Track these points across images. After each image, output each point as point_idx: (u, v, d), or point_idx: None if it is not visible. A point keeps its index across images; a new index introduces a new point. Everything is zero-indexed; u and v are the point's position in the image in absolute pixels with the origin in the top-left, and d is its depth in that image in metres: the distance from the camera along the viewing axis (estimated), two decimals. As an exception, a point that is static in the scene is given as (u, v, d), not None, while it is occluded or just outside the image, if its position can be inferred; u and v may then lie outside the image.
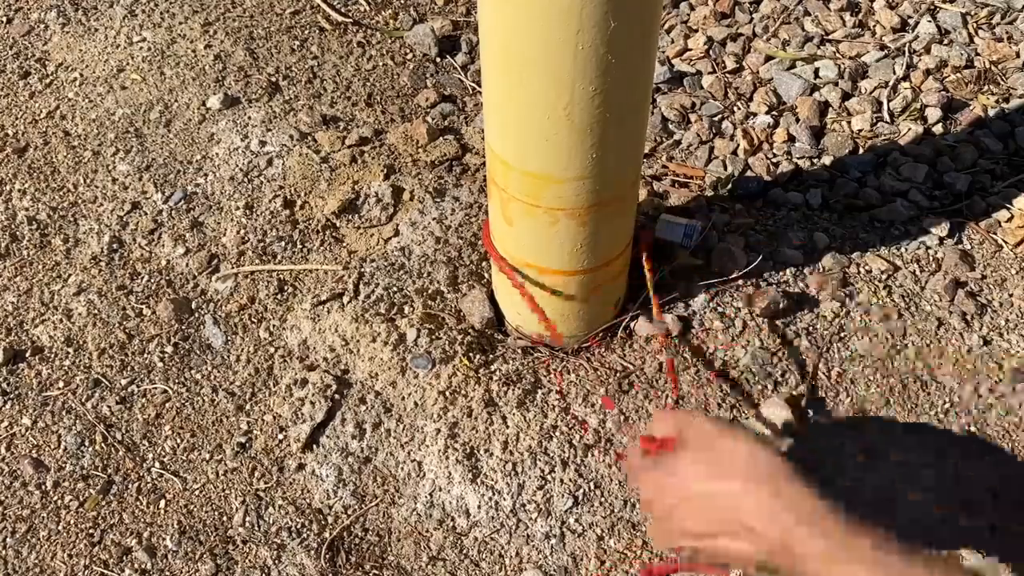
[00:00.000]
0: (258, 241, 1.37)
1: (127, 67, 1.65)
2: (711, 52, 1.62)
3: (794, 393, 1.18)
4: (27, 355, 1.27)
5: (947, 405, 1.16)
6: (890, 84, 1.53)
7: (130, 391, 1.23)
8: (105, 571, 1.08)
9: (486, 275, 1.30)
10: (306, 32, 1.71)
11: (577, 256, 1.07)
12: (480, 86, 1.39)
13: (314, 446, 1.17)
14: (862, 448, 1.14)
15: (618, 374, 1.20)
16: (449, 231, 1.35)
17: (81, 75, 1.65)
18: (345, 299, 1.28)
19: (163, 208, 1.43)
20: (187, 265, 1.36)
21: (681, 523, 0.68)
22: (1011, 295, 1.27)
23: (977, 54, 1.57)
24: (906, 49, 1.58)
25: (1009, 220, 1.35)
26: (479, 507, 1.11)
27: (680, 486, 0.67)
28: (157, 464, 1.17)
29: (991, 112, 1.49)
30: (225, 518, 1.12)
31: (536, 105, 0.89)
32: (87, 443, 1.18)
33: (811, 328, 1.23)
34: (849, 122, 1.49)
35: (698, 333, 1.23)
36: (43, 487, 1.15)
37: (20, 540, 1.11)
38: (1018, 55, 1.56)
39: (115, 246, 1.39)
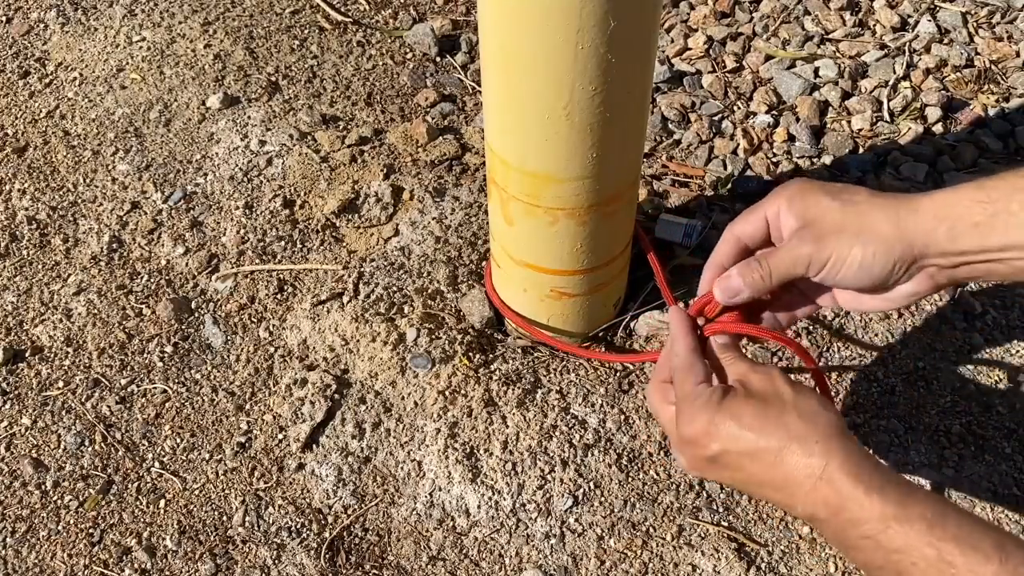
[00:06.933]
0: (258, 241, 1.37)
1: (127, 67, 1.65)
2: (711, 51, 1.62)
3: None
4: (27, 355, 1.27)
5: (948, 403, 1.16)
6: (890, 83, 1.53)
7: (130, 391, 1.23)
8: (105, 571, 1.08)
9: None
10: (306, 32, 1.71)
11: (577, 256, 1.07)
12: (480, 86, 1.39)
13: (314, 446, 1.17)
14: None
15: (618, 374, 1.20)
16: (449, 231, 1.35)
17: (81, 75, 1.65)
18: (345, 299, 1.28)
19: (163, 208, 1.43)
20: (187, 265, 1.36)
21: (718, 474, 0.69)
22: (1013, 294, 1.27)
23: (977, 53, 1.57)
24: (906, 48, 1.58)
25: (1009, 219, 1.34)
26: (479, 507, 1.11)
27: (723, 442, 0.67)
28: (157, 464, 1.17)
29: (991, 111, 1.49)
30: (225, 518, 1.12)
31: (536, 105, 0.89)
32: (87, 443, 1.18)
33: (811, 327, 1.23)
34: (849, 121, 1.49)
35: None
36: (43, 487, 1.15)
37: (20, 540, 1.11)
38: (1018, 54, 1.56)
39: (115, 246, 1.39)
